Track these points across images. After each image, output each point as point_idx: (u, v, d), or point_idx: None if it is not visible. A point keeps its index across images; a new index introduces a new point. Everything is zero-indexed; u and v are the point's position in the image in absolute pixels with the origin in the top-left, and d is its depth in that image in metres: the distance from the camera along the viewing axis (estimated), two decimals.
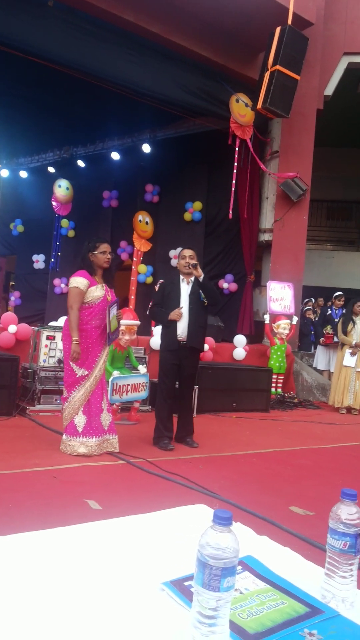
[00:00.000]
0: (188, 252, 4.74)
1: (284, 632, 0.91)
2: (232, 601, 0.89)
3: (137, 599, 0.99)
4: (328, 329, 8.98)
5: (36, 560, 1.11)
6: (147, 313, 8.74)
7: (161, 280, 4.93)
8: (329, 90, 9.43)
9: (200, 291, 4.70)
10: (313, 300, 11.94)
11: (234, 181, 8.57)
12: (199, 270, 4.63)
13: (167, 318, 4.62)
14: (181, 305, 4.63)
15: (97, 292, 4.14)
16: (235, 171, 8.57)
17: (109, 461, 3.95)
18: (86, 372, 4.09)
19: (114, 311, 4.16)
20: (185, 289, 4.72)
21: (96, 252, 4.21)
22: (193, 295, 4.69)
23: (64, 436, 4.10)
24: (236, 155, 8.53)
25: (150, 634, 0.88)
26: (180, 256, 4.80)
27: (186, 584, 1.03)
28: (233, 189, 8.56)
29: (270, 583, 1.07)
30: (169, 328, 4.67)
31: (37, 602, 0.96)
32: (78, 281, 4.07)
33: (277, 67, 7.41)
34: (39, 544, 1.19)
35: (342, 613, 1.00)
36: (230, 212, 8.63)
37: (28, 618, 0.90)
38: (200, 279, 4.65)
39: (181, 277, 4.76)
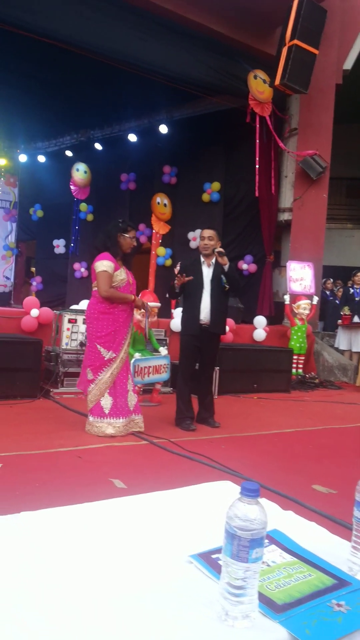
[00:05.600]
0: (207, 233, 4.65)
1: (312, 603, 0.92)
2: (260, 573, 0.91)
3: (166, 572, 1.01)
4: (345, 310, 8.89)
5: (66, 534, 1.14)
6: (167, 295, 8.80)
7: (180, 262, 4.89)
8: (348, 64, 9.17)
9: (222, 276, 4.65)
10: (331, 280, 11.82)
11: (257, 158, 8.46)
12: (225, 258, 4.52)
13: (173, 287, 4.56)
14: (203, 291, 4.57)
15: (122, 275, 4.14)
16: (257, 149, 8.46)
17: (132, 441, 4.00)
18: (114, 355, 4.12)
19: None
20: (206, 272, 4.63)
21: (127, 235, 4.19)
22: (215, 281, 4.63)
23: (90, 418, 4.14)
24: (257, 133, 8.41)
25: (180, 605, 0.90)
26: (200, 237, 4.72)
27: (214, 556, 1.05)
28: (257, 166, 8.45)
29: (297, 556, 1.09)
30: (191, 312, 4.61)
31: (69, 575, 0.98)
32: (106, 265, 4.04)
33: (295, 41, 7.24)
34: (69, 518, 1.22)
35: None
36: (257, 190, 8.55)
37: (60, 592, 0.93)
38: (226, 267, 4.56)
39: (202, 259, 4.67)
